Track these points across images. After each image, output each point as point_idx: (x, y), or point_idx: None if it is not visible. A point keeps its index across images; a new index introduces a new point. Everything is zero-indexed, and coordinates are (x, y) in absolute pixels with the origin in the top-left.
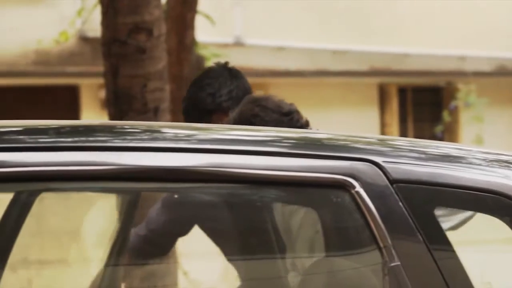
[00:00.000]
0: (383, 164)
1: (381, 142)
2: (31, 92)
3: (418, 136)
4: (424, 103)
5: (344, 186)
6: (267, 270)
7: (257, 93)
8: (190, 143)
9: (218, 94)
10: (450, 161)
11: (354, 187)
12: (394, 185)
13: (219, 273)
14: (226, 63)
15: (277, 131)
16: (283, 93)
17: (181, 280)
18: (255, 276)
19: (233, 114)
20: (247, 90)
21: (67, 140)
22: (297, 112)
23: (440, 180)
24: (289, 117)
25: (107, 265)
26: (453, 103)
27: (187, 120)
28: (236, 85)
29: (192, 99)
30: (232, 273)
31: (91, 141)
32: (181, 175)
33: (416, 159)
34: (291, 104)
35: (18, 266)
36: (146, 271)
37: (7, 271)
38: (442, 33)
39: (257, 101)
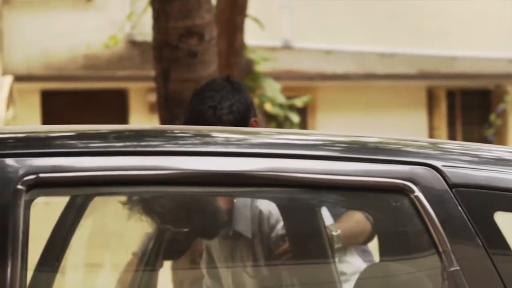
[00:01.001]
0: (442, 168)
1: (436, 146)
2: (80, 96)
3: (466, 139)
4: (473, 106)
5: (403, 191)
6: (322, 275)
7: (303, 97)
8: (243, 147)
9: (219, 107)
10: (504, 165)
11: (413, 191)
12: (453, 190)
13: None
14: (228, 76)
15: (332, 136)
16: (330, 96)
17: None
18: (309, 281)
19: None
20: (248, 104)
21: (119, 145)
22: None
23: (498, 184)
24: None
25: (155, 268)
26: (500, 106)
27: None
28: (238, 99)
29: (193, 111)
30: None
31: (142, 145)
32: (233, 179)
33: (472, 162)
34: None
35: (72, 269)
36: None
37: (60, 274)
38: (491, 35)
39: None
